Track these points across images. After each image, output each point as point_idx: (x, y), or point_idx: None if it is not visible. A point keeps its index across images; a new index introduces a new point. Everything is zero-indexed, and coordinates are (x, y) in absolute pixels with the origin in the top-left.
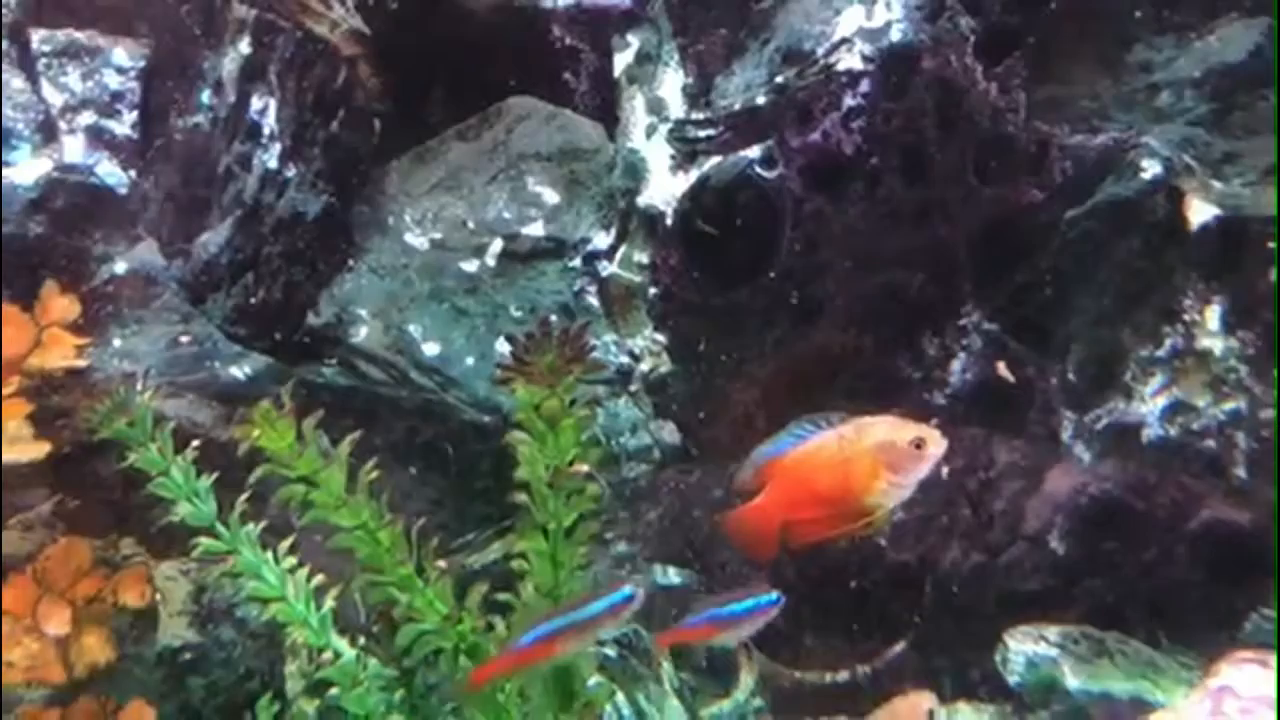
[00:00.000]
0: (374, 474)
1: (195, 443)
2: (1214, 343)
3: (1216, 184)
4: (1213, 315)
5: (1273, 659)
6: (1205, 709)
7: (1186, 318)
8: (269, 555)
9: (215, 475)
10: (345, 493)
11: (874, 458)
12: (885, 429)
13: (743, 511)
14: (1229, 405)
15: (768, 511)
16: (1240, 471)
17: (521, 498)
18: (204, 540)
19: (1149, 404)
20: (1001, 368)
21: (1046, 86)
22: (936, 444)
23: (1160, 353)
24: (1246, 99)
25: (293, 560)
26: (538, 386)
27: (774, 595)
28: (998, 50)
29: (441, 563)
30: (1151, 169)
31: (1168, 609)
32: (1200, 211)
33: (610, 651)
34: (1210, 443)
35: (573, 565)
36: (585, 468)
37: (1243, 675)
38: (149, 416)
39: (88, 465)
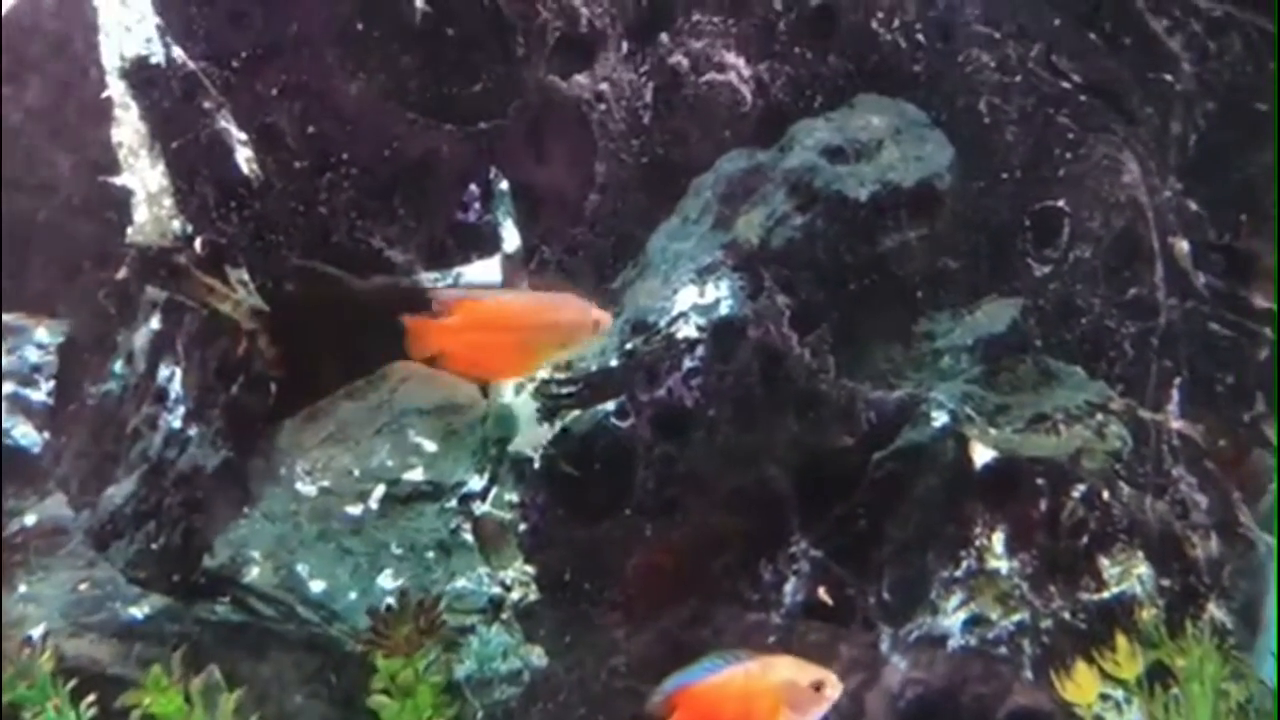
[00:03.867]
0: None
1: (91, 689)
2: (1000, 564)
3: (993, 430)
4: (998, 540)
5: None
6: None
7: (977, 543)
8: None
9: (111, 713)
10: None
11: (776, 695)
12: (789, 669)
13: None
14: (1016, 617)
15: None
16: (1028, 673)
17: None
18: None
19: (952, 618)
20: (821, 592)
21: (850, 351)
22: (834, 687)
23: (958, 573)
24: (1010, 362)
25: None
26: (395, 657)
27: None
28: (809, 322)
29: None
30: (940, 419)
31: None
32: (982, 454)
33: None
34: (1003, 649)
35: None
36: None
37: None
38: (48, 681)
39: None
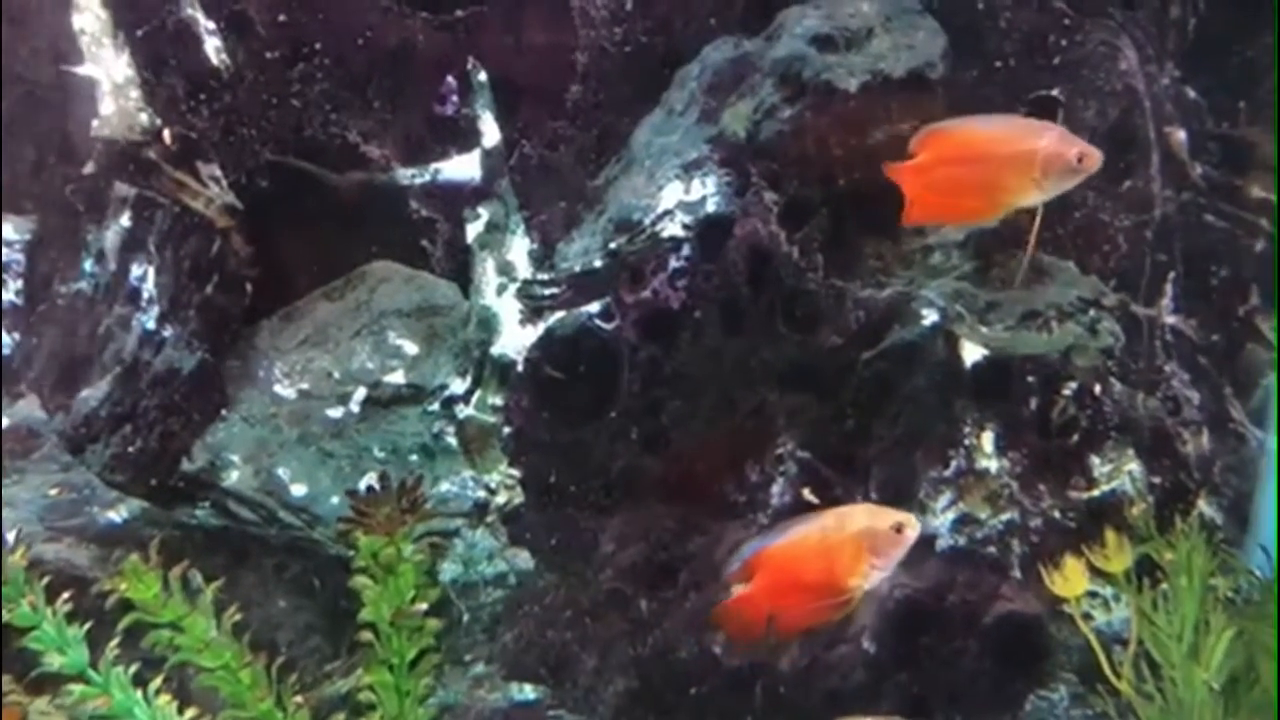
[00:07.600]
0: (236, 617)
1: (69, 591)
2: (990, 463)
3: (983, 329)
4: (987, 439)
5: None
6: None
7: (966, 442)
8: (140, 694)
9: (91, 616)
10: (208, 636)
11: (857, 543)
12: (865, 516)
13: (732, 602)
14: (1005, 516)
15: (755, 601)
16: (1016, 573)
17: (367, 637)
18: (76, 688)
19: (940, 518)
20: (806, 493)
21: (839, 249)
22: (913, 527)
23: (947, 473)
24: (1001, 258)
25: (166, 698)
26: (377, 536)
27: None
28: (797, 219)
29: (299, 698)
30: (930, 317)
31: (962, 696)
32: (972, 352)
33: None
34: (992, 549)
35: (417, 695)
36: (424, 607)
37: None
38: (20, 576)
39: None
